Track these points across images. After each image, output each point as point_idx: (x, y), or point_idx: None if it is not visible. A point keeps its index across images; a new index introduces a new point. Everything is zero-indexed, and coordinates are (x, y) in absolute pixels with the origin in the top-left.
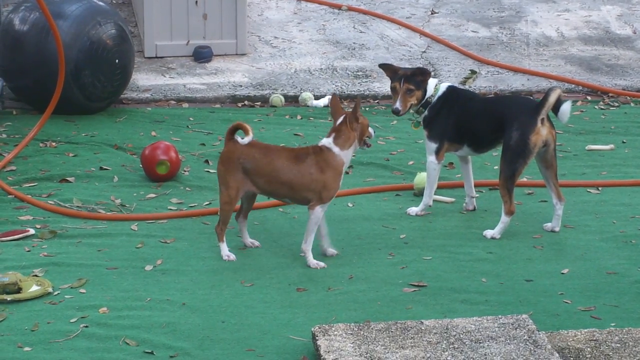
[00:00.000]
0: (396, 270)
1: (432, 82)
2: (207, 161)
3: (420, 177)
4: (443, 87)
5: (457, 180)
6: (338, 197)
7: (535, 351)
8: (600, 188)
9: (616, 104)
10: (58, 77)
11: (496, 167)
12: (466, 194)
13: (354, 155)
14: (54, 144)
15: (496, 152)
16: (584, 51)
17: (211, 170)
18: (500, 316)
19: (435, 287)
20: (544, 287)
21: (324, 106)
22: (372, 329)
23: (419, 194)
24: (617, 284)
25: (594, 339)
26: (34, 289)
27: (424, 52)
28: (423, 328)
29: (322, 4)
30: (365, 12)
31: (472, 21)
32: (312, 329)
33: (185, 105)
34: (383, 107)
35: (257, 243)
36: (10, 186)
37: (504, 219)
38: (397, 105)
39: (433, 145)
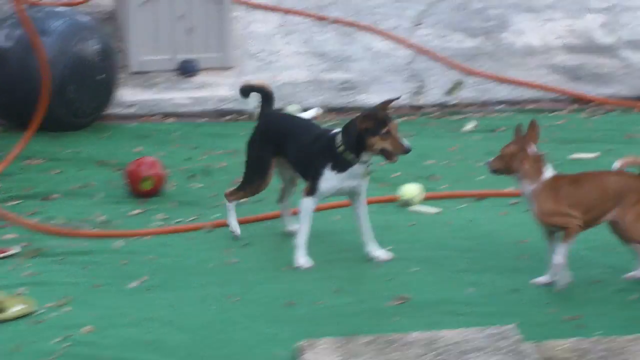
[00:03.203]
0: (382, 282)
1: None
2: (192, 176)
3: (406, 189)
4: None
5: (444, 192)
6: (324, 210)
7: None
8: None
9: (601, 112)
10: (42, 94)
11: (482, 177)
12: None
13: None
14: (38, 160)
15: (481, 162)
16: (568, 60)
17: (196, 185)
18: (486, 327)
19: (421, 299)
20: (529, 297)
21: (311, 118)
22: (358, 342)
23: (404, 205)
24: (602, 292)
25: (580, 347)
26: (18, 308)
27: (410, 63)
28: (409, 340)
29: (308, 17)
30: (350, 24)
31: (458, 32)
32: (298, 344)
33: (171, 120)
34: None
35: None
36: None
37: None
38: None
39: None
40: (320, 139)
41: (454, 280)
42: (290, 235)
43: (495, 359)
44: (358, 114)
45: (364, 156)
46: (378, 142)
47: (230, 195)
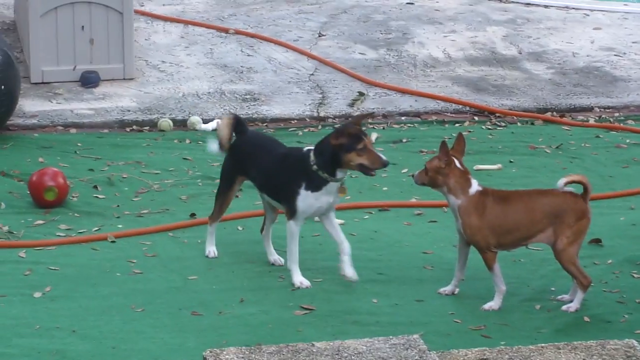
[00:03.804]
0: (287, 292)
1: None
2: (95, 187)
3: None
4: None
5: (348, 202)
6: (227, 221)
7: None
8: None
9: (503, 124)
10: None
11: (386, 189)
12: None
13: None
14: None
15: (385, 174)
16: (470, 72)
17: (99, 196)
18: (391, 337)
19: (326, 309)
20: (434, 307)
21: (213, 130)
22: (263, 352)
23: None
24: (506, 302)
25: (485, 357)
26: None
27: (312, 74)
28: (314, 350)
29: (210, 28)
30: (252, 36)
31: (360, 43)
32: (204, 354)
33: (73, 130)
34: (272, 130)
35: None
36: None
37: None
38: None
39: None
40: (289, 157)
41: (358, 291)
42: (273, 265)
43: None
44: (331, 131)
45: (339, 173)
46: (355, 158)
47: (209, 219)
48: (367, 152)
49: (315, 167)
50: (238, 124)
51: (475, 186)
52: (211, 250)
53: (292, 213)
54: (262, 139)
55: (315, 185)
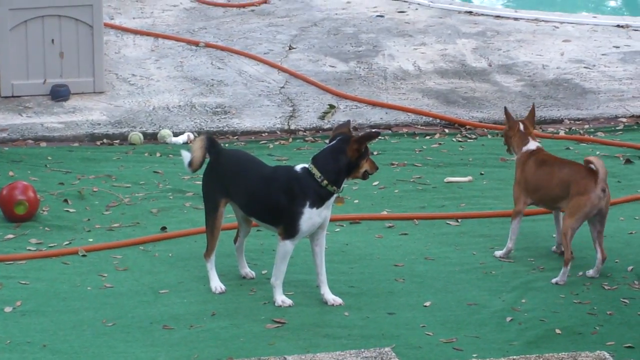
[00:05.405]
0: (258, 306)
1: None
2: (66, 200)
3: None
4: None
5: None
6: (192, 235)
7: None
8: (459, 220)
9: (473, 136)
10: None
11: (357, 201)
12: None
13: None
14: None
15: (356, 186)
16: (440, 84)
17: (70, 210)
18: (362, 350)
19: (298, 322)
20: (406, 320)
21: (183, 143)
22: None
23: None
24: (478, 315)
25: None
26: None
27: (283, 87)
28: None
29: (180, 41)
30: (222, 49)
31: (330, 56)
32: None
33: (43, 144)
34: (242, 143)
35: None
36: None
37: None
38: None
39: None
40: (281, 179)
41: (330, 304)
42: (244, 278)
43: None
44: (336, 142)
45: (344, 184)
46: (364, 165)
47: (205, 255)
48: (369, 159)
49: (325, 182)
50: (211, 145)
51: (528, 146)
52: (217, 286)
53: (292, 234)
54: (243, 159)
55: (320, 201)
